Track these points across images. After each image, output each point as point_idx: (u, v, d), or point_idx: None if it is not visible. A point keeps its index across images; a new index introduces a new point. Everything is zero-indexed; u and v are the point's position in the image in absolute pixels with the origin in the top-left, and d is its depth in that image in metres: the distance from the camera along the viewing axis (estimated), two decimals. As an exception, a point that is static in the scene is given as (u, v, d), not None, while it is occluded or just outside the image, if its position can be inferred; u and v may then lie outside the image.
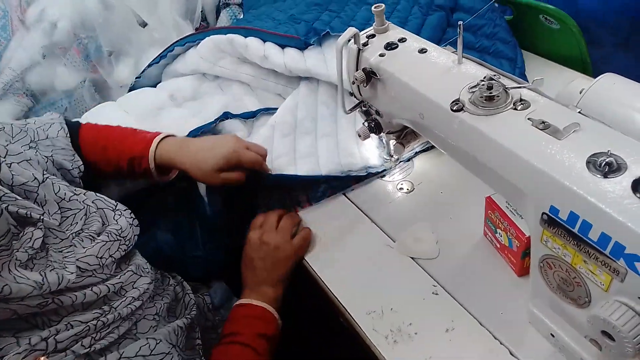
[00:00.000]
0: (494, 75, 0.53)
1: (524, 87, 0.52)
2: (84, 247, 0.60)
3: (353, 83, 0.70)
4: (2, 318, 0.48)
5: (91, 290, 0.58)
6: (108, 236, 0.63)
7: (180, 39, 1.16)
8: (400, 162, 0.92)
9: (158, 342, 0.60)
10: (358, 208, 0.87)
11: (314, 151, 0.93)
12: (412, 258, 0.77)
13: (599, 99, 0.51)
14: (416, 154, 0.92)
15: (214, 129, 1.01)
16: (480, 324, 0.67)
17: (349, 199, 0.89)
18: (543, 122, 0.48)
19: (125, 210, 0.69)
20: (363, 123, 0.78)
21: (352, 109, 0.77)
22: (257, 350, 0.72)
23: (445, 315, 0.69)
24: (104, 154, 0.80)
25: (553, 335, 0.59)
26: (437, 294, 0.72)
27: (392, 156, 0.85)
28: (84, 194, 0.67)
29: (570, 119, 0.47)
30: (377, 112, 0.74)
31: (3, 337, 0.48)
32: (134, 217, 0.70)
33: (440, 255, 0.76)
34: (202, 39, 1.10)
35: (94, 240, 0.62)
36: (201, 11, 1.54)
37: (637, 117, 0.49)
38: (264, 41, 1.04)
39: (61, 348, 0.52)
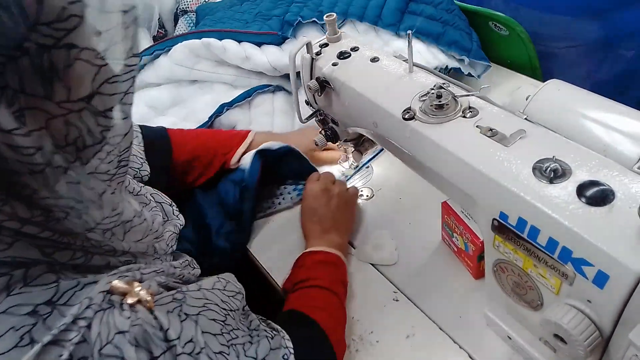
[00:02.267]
0: (444, 83, 0.54)
1: (473, 94, 0.53)
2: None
3: (308, 92, 0.70)
4: (97, 264, 0.46)
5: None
6: (174, 228, 0.63)
7: (147, 48, 1.12)
8: (359, 168, 0.92)
9: (228, 282, 0.58)
10: (318, 216, 0.87)
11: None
12: (372, 265, 0.77)
13: (544, 106, 0.52)
14: (372, 158, 0.93)
15: (212, 125, 1.01)
16: (440, 329, 0.68)
17: (309, 208, 0.89)
18: (491, 130, 0.49)
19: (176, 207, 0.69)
20: (320, 132, 0.78)
21: (309, 118, 0.76)
22: (336, 293, 0.69)
23: (406, 321, 0.69)
24: (196, 152, 0.82)
25: (510, 338, 0.60)
26: (397, 300, 0.72)
27: (350, 164, 0.85)
28: (145, 189, 0.66)
29: (516, 126, 0.48)
30: (333, 121, 0.74)
31: (93, 269, 0.46)
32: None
33: (400, 261, 0.77)
34: (172, 46, 1.07)
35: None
36: (158, 19, 1.51)
37: (581, 122, 0.50)
38: (239, 42, 1.03)
39: (145, 279, 0.49)
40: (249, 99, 1.02)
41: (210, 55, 1.05)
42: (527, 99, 0.53)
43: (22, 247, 0.38)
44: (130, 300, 0.42)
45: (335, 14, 0.66)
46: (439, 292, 0.71)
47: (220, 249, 0.81)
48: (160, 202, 0.67)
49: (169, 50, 1.08)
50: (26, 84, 0.31)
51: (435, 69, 0.94)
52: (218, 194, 0.85)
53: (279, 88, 1.04)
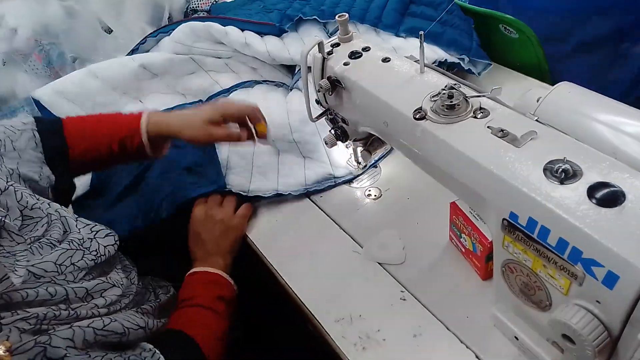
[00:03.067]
0: (455, 84, 0.54)
1: (484, 95, 0.53)
2: (41, 254, 0.59)
3: (319, 91, 0.70)
4: None
5: (46, 289, 0.55)
6: (69, 244, 0.62)
7: (151, 32, 1.16)
8: (368, 168, 0.93)
9: (113, 320, 0.59)
10: (326, 215, 0.87)
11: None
12: (379, 264, 0.77)
13: (555, 107, 0.52)
14: (381, 157, 0.93)
15: None
16: (447, 329, 0.68)
17: (317, 206, 0.89)
18: (502, 130, 0.49)
19: (95, 225, 0.68)
20: (330, 131, 0.78)
21: (318, 117, 0.77)
22: (217, 311, 0.73)
23: (413, 320, 0.69)
24: (94, 139, 0.78)
25: (517, 339, 0.61)
26: (404, 299, 0.72)
27: (359, 163, 0.86)
28: (49, 204, 0.65)
29: (527, 127, 0.49)
30: (343, 120, 0.74)
31: None
32: (109, 233, 0.69)
33: (408, 260, 0.77)
34: (175, 29, 1.11)
35: (53, 247, 0.61)
36: (168, 18, 1.52)
37: (591, 124, 0.51)
38: (242, 30, 1.06)
39: (4, 327, 0.49)
40: (250, 88, 1.04)
41: (210, 37, 1.08)
42: (537, 101, 0.54)
43: None
44: None
45: (347, 15, 0.67)
46: (446, 292, 0.72)
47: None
48: (64, 216, 0.66)
49: (171, 33, 1.12)
50: None
51: (433, 63, 0.96)
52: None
53: (279, 85, 1.05)
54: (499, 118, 0.51)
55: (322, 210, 0.88)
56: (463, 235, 0.71)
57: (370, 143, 0.80)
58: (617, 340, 0.44)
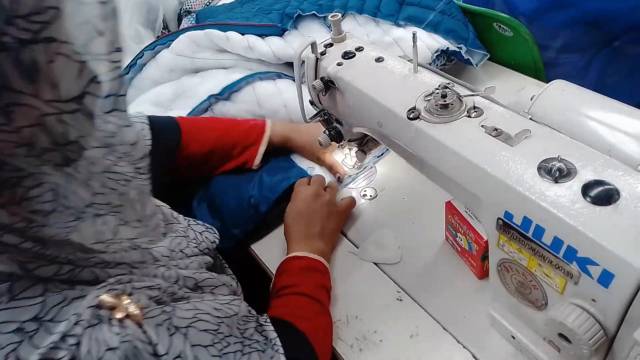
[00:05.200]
0: (449, 83, 0.54)
1: (477, 94, 0.53)
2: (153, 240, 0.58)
3: (312, 92, 0.70)
4: (84, 279, 0.45)
5: (162, 273, 0.54)
6: (175, 232, 0.62)
7: (149, 45, 1.14)
8: (364, 168, 0.92)
9: (220, 294, 0.59)
10: (322, 216, 0.87)
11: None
12: (376, 265, 0.77)
13: (549, 105, 0.52)
14: (379, 157, 0.93)
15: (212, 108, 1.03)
16: (444, 329, 0.68)
17: (312, 207, 0.89)
18: (496, 129, 0.49)
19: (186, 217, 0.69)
20: (324, 132, 0.78)
21: (312, 118, 0.77)
22: (322, 302, 0.69)
23: (410, 321, 0.69)
24: (221, 143, 0.82)
25: (514, 338, 0.60)
26: (401, 300, 0.72)
27: (354, 164, 0.86)
28: None
29: (521, 126, 0.48)
30: (337, 121, 0.74)
31: (80, 283, 0.44)
32: (207, 227, 0.70)
33: (404, 260, 0.77)
34: (174, 40, 1.09)
35: (163, 237, 0.61)
36: (162, 20, 1.52)
37: (585, 122, 0.51)
38: (242, 34, 1.05)
39: (135, 293, 0.48)
40: (252, 82, 1.03)
41: (212, 45, 1.07)
42: (531, 99, 0.54)
43: (2, 260, 0.37)
44: (119, 315, 0.41)
45: (339, 15, 0.67)
46: (442, 292, 0.72)
47: (234, 237, 0.83)
48: (159, 205, 0.66)
49: (170, 45, 1.09)
50: (10, 80, 0.31)
51: (436, 51, 0.97)
52: (238, 189, 0.87)
53: (280, 75, 1.05)
54: (493, 117, 0.51)
55: (317, 211, 0.88)
56: (459, 234, 0.71)
57: (365, 143, 0.80)
58: (613, 339, 0.44)
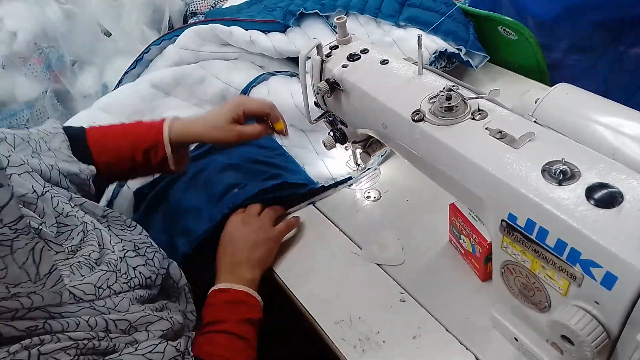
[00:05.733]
0: (453, 86, 0.54)
1: (482, 97, 0.53)
2: (82, 275, 0.57)
3: (317, 93, 0.70)
4: None
5: (86, 321, 0.53)
6: (107, 265, 0.60)
7: (155, 40, 1.16)
8: (367, 169, 0.93)
9: (140, 341, 0.57)
10: (326, 217, 0.87)
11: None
12: (379, 266, 0.77)
13: (553, 108, 0.53)
14: (382, 158, 0.94)
15: None
16: (447, 330, 0.68)
17: (317, 208, 0.89)
18: (500, 132, 0.49)
19: (126, 243, 0.67)
20: (329, 133, 0.79)
21: (317, 119, 0.77)
22: (245, 337, 0.69)
23: (412, 322, 0.69)
24: (117, 151, 0.76)
25: (516, 340, 0.61)
26: (404, 301, 0.72)
27: (358, 165, 0.86)
28: (84, 213, 0.64)
29: (526, 128, 0.49)
30: (342, 122, 0.75)
31: None
32: (142, 251, 0.67)
33: (407, 262, 0.77)
34: (179, 34, 1.11)
35: (92, 269, 0.59)
36: (168, 20, 1.53)
37: (589, 125, 0.51)
38: (246, 29, 1.07)
39: (43, 355, 0.48)
40: (266, 81, 1.04)
41: (216, 39, 1.09)
42: (536, 102, 0.54)
43: None
44: None
45: (345, 17, 0.67)
46: (445, 294, 0.72)
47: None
48: (99, 229, 0.64)
49: (176, 40, 1.12)
50: None
51: (434, 53, 0.97)
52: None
53: (292, 74, 1.06)
54: (497, 119, 0.51)
55: (321, 212, 0.88)
56: (462, 236, 0.71)
57: (369, 145, 0.80)
58: (616, 341, 0.44)
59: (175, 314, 0.67)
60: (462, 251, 0.73)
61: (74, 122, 1.03)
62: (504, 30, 1.02)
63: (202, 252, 0.82)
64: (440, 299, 0.71)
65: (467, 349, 0.65)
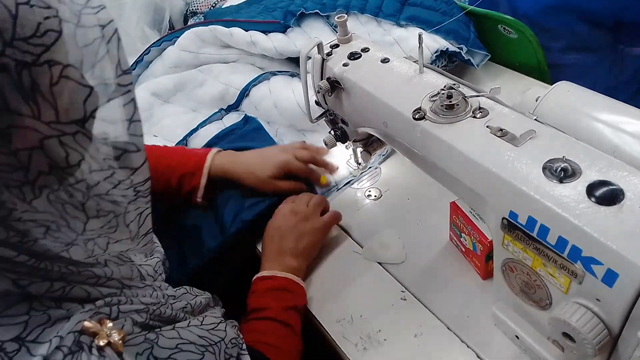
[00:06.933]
0: (454, 84, 0.55)
1: (483, 95, 0.54)
2: (140, 259, 0.59)
3: (318, 92, 0.70)
4: (77, 296, 0.45)
5: (151, 294, 0.55)
6: (160, 255, 0.63)
7: (156, 41, 1.16)
8: (368, 168, 0.93)
9: (205, 316, 0.58)
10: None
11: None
12: (380, 264, 0.78)
13: (554, 106, 0.53)
14: (383, 157, 0.94)
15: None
16: (448, 328, 0.68)
17: (317, 207, 0.89)
18: (501, 130, 0.49)
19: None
20: (329, 132, 0.79)
21: (318, 118, 0.77)
22: (289, 324, 0.69)
23: (414, 320, 0.70)
24: (155, 171, 0.76)
25: (518, 337, 0.61)
26: (405, 299, 0.72)
27: (359, 164, 0.86)
28: None
29: (526, 126, 0.49)
30: (343, 121, 0.75)
31: (70, 301, 0.45)
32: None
33: (408, 260, 0.77)
34: (180, 36, 1.11)
35: (146, 257, 0.61)
36: (169, 20, 1.53)
37: (590, 123, 0.51)
38: (246, 30, 1.07)
39: (121, 317, 0.48)
40: (267, 80, 1.05)
41: (216, 40, 1.09)
42: (536, 100, 0.54)
43: None
44: (100, 342, 0.41)
45: (345, 16, 0.67)
46: (446, 292, 0.72)
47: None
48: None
49: (176, 41, 1.12)
50: (10, 102, 0.31)
51: (436, 52, 0.97)
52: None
53: (293, 74, 1.06)
54: (498, 117, 0.51)
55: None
56: (463, 234, 0.71)
57: (370, 144, 0.80)
58: (617, 338, 0.44)
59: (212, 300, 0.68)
60: (463, 249, 0.74)
61: None
62: (504, 28, 1.02)
63: (211, 264, 0.82)
64: (441, 297, 0.71)
65: (468, 347, 0.65)
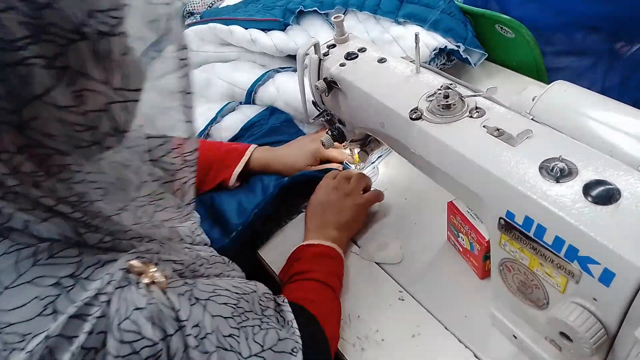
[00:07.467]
0: (451, 84, 0.55)
1: (479, 95, 0.54)
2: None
3: (315, 92, 0.70)
4: (122, 249, 0.47)
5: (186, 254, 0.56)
6: (193, 219, 0.64)
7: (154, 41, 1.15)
8: (365, 168, 0.93)
9: (234, 277, 0.60)
10: (324, 216, 0.87)
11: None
12: (378, 264, 0.77)
13: (551, 106, 0.53)
14: (380, 157, 0.94)
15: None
16: (446, 328, 0.68)
17: (315, 208, 0.89)
18: (497, 129, 0.49)
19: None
20: (327, 132, 0.79)
21: (316, 118, 0.77)
22: (333, 287, 0.71)
23: (411, 320, 0.70)
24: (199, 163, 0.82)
25: (515, 337, 0.61)
26: (403, 299, 0.72)
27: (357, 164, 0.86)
28: None
29: (523, 126, 0.49)
30: (340, 121, 0.75)
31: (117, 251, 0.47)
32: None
33: (406, 260, 0.77)
34: None
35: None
36: (165, 21, 1.52)
37: (586, 122, 0.51)
38: (246, 28, 1.07)
39: (162, 264, 0.50)
40: (272, 78, 1.05)
41: (216, 38, 1.09)
42: (533, 100, 0.54)
43: (55, 223, 0.40)
44: (145, 280, 0.43)
45: (343, 16, 0.67)
46: (444, 292, 0.72)
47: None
48: None
49: None
50: (87, 67, 0.34)
51: (434, 49, 0.97)
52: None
53: (295, 70, 1.06)
54: (495, 117, 0.51)
55: (320, 211, 0.88)
56: (461, 234, 0.71)
57: (368, 144, 0.80)
58: (615, 338, 0.44)
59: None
60: (461, 249, 0.74)
61: None
62: (501, 28, 1.02)
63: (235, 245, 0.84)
64: (439, 297, 0.71)
65: (466, 346, 0.65)
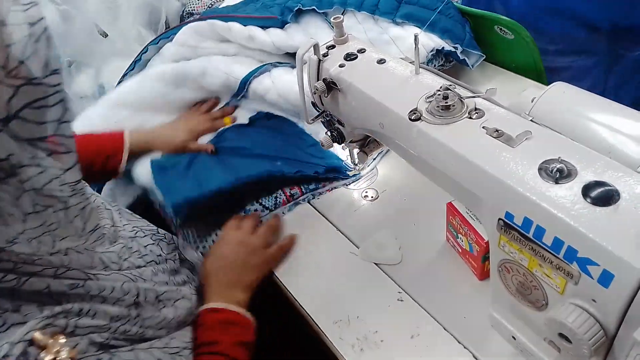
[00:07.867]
0: (450, 85, 0.55)
1: (479, 96, 0.54)
2: (104, 245, 0.59)
3: (314, 93, 0.70)
4: (36, 289, 0.45)
5: (120, 286, 0.54)
6: (123, 240, 0.63)
7: (154, 39, 1.16)
8: (365, 169, 0.93)
9: (173, 338, 0.58)
10: (323, 216, 0.87)
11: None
12: (377, 265, 0.77)
13: (550, 107, 0.53)
14: (379, 158, 0.94)
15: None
16: (445, 329, 0.68)
17: (314, 208, 0.89)
18: (497, 131, 0.49)
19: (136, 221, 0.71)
20: (326, 133, 0.78)
21: (315, 119, 0.77)
22: (238, 359, 0.68)
23: (410, 321, 0.70)
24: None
25: (514, 338, 0.61)
26: (401, 300, 0.72)
27: (356, 165, 0.86)
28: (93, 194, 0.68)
29: (522, 127, 0.49)
30: (339, 122, 0.75)
31: (29, 298, 0.45)
32: (149, 232, 0.70)
33: (405, 261, 0.77)
34: (177, 33, 1.11)
35: (111, 243, 0.61)
36: (165, 21, 1.53)
37: (586, 124, 0.51)
38: (244, 25, 1.06)
39: (78, 334, 0.48)
40: (268, 72, 1.05)
41: (214, 35, 1.08)
42: (532, 101, 0.54)
43: None
44: (46, 358, 0.41)
45: (342, 16, 0.67)
46: (443, 293, 0.72)
47: None
48: (108, 209, 0.66)
49: (173, 38, 1.12)
50: None
51: (431, 51, 0.97)
52: None
53: (293, 66, 1.05)
54: (494, 118, 0.51)
55: (318, 211, 0.88)
56: (460, 235, 0.71)
57: (367, 145, 0.80)
58: (613, 339, 0.44)
59: (190, 295, 0.68)
60: (460, 250, 0.74)
61: (86, 119, 1.04)
62: (501, 29, 1.02)
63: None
64: (438, 298, 0.71)
65: (465, 347, 0.65)
